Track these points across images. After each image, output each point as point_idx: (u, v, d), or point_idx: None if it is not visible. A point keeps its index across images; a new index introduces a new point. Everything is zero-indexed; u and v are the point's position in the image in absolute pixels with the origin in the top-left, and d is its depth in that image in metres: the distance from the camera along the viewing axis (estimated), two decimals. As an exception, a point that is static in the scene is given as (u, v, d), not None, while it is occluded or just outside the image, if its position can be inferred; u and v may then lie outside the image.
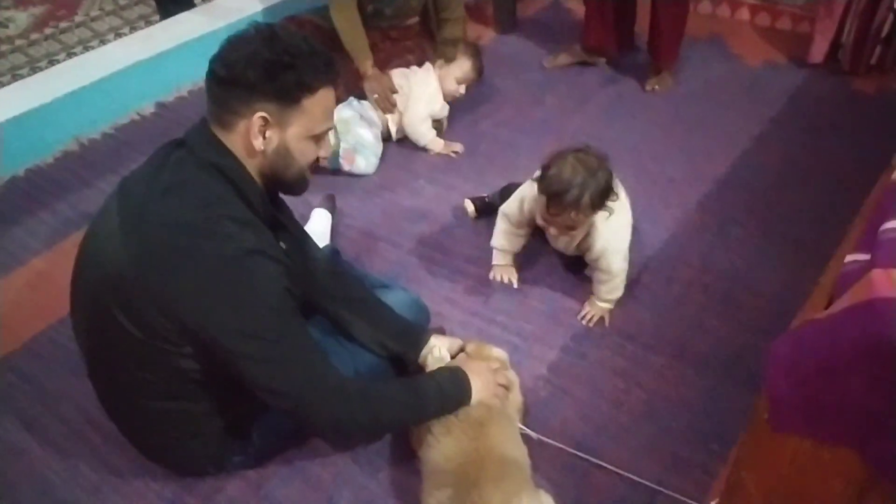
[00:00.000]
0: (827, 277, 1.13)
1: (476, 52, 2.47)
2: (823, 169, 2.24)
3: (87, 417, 1.63)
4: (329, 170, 2.26)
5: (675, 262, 1.95)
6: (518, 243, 1.86)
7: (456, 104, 2.63)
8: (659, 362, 1.68)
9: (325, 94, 1.23)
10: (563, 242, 1.75)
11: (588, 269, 1.81)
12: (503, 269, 1.89)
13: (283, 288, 1.21)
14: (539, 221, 1.68)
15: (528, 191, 1.74)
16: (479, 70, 2.48)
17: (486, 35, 3.11)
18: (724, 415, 1.54)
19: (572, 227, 1.62)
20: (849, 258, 1.10)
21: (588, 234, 1.69)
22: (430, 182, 2.30)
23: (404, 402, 1.35)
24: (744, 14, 3.09)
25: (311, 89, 1.20)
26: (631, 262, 1.77)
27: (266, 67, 1.16)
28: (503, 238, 1.85)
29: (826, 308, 1.02)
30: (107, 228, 1.23)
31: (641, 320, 1.76)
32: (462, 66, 2.42)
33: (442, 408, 1.36)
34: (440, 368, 1.45)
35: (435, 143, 2.39)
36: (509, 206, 1.81)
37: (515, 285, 1.88)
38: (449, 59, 2.42)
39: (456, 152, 2.39)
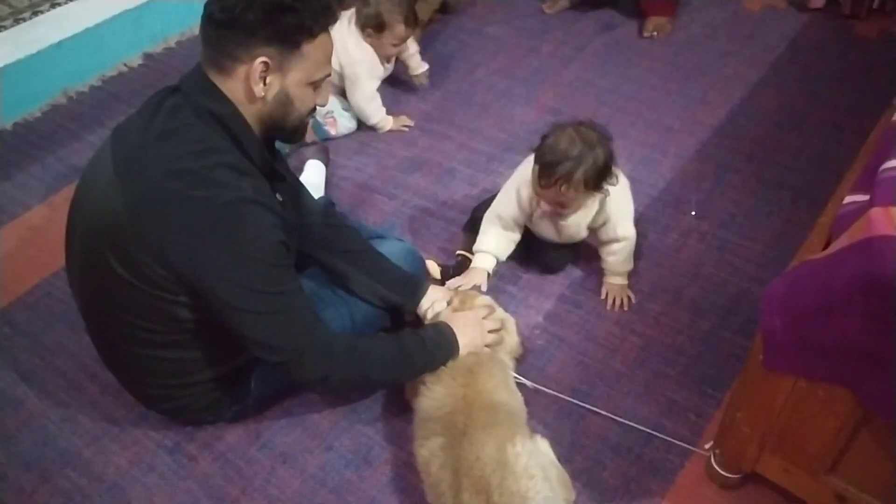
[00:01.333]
0: (824, 219, 1.13)
1: (403, 6, 2.10)
2: (822, 114, 2.21)
3: (84, 369, 1.63)
4: (319, 141, 2.19)
5: (672, 210, 1.94)
6: (507, 248, 1.71)
7: (449, 52, 2.59)
8: (655, 309, 1.68)
9: (324, 39, 1.20)
10: (550, 231, 1.68)
11: (597, 244, 1.72)
12: (476, 275, 1.69)
13: (278, 241, 1.19)
14: (535, 195, 1.60)
15: (523, 172, 1.63)
16: (414, 22, 2.15)
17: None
18: (719, 360, 1.55)
19: (562, 205, 1.54)
20: (847, 199, 1.09)
21: (599, 212, 1.62)
22: (423, 132, 2.27)
23: (391, 358, 1.35)
24: (745, -42, 3.02)
25: (311, 33, 1.17)
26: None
27: (266, 9, 1.12)
28: (492, 238, 1.70)
29: (823, 249, 1.01)
30: (101, 176, 1.21)
31: (638, 268, 1.75)
32: (394, 32, 2.11)
33: (428, 364, 1.36)
34: (426, 325, 1.45)
35: (385, 122, 2.25)
36: (499, 206, 1.68)
37: (484, 289, 1.69)
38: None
39: (407, 126, 2.26)
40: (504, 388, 1.38)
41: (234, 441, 1.48)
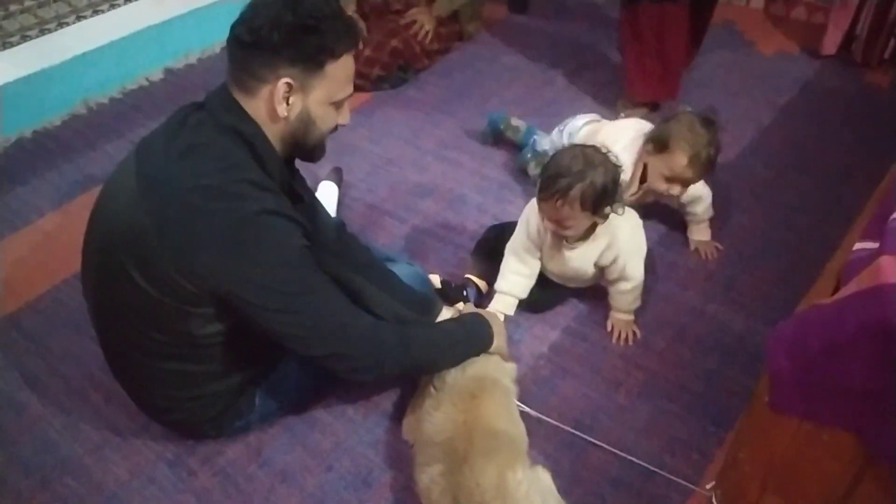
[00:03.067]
0: (833, 265, 1.14)
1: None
2: (832, 160, 2.23)
3: (88, 377, 1.64)
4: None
5: (679, 247, 1.95)
6: (526, 285, 1.72)
7: (465, 80, 2.63)
8: (659, 345, 1.69)
9: (347, 59, 1.23)
10: (559, 265, 1.68)
11: (604, 282, 1.72)
12: (501, 307, 1.71)
13: (302, 245, 1.22)
14: (541, 219, 1.60)
15: (534, 201, 1.64)
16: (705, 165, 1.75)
17: (498, 12, 3.09)
18: (722, 398, 1.55)
19: (560, 223, 1.54)
20: (857, 246, 1.10)
21: (608, 249, 1.62)
22: (437, 158, 2.29)
23: (434, 346, 1.39)
24: (759, 2, 3.07)
25: (334, 54, 1.20)
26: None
27: (290, 31, 1.15)
28: (510, 278, 1.71)
29: (832, 294, 1.02)
30: (123, 189, 1.23)
31: (644, 303, 1.76)
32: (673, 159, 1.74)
33: (469, 348, 1.42)
34: (462, 314, 1.52)
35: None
36: (514, 237, 1.71)
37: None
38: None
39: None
40: (506, 416, 1.38)
41: (235, 456, 1.48)
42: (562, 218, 1.53)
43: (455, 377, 1.40)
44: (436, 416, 1.35)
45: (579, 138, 1.91)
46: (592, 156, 1.51)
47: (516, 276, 1.71)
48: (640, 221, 1.68)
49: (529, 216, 1.67)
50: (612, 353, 1.67)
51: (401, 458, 1.46)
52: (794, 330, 1.00)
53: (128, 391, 1.44)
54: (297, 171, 1.43)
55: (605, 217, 1.55)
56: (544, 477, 1.34)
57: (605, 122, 2.00)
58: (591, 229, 1.60)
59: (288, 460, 1.47)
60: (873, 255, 0.97)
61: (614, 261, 1.63)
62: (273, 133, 1.23)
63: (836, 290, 1.03)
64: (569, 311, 1.78)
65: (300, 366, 1.48)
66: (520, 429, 1.40)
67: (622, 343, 1.69)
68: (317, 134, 1.27)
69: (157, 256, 1.17)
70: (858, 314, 0.90)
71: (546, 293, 1.76)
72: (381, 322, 1.33)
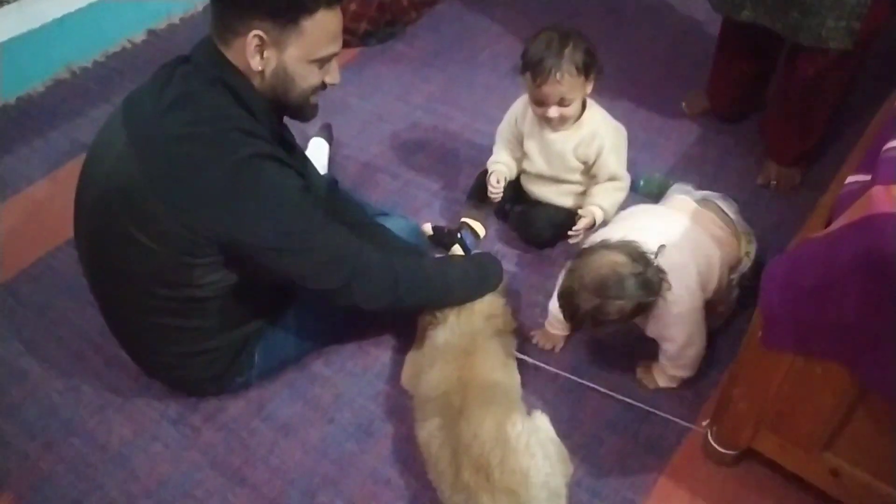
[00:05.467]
0: (826, 199, 1.14)
1: None
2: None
3: (87, 341, 1.65)
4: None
5: (673, 193, 1.94)
6: (513, 167, 1.78)
7: (454, 34, 2.59)
8: (655, 291, 1.70)
9: (326, 16, 1.19)
10: (540, 156, 1.69)
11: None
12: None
13: (301, 184, 1.22)
14: (536, 111, 1.63)
15: (517, 105, 1.75)
16: None
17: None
18: (718, 342, 1.57)
19: (563, 102, 1.56)
20: (849, 179, 1.10)
21: (591, 141, 1.63)
22: (427, 113, 2.27)
23: (448, 274, 1.43)
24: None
25: (309, 9, 1.17)
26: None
27: None
28: (503, 156, 1.78)
29: (825, 229, 1.02)
30: (112, 145, 1.22)
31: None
32: None
33: (481, 283, 1.46)
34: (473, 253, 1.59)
35: None
36: (500, 127, 1.80)
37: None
38: None
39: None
40: (501, 369, 1.39)
41: (237, 413, 1.50)
42: (563, 93, 1.55)
43: (448, 336, 1.41)
44: (431, 374, 1.36)
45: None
46: (559, 29, 1.56)
47: (506, 154, 1.78)
48: (624, 131, 1.72)
49: (517, 109, 1.74)
50: (608, 301, 1.68)
51: (401, 409, 1.48)
52: (785, 266, 1.01)
53: (128, 351, 1.45)
54: (287, 128, 1.42)
55: (593, 82, 1.59)
56: (542, 424, 1.36)
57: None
58: (579, 115, 1.64)
59: (290, 414, 1.49)
60: (865, 187, 0.96)
61: (598, 154, 1.64)
62: (257, 87, 1.22)
63: (829, 224, 1.02)
64: (563, 259, 1.78)
65: (299, 321, 1.49)
66: (514, 379, 1.41)
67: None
68: (297, 91, 1.25)
69: (155, 211, 1.17)
70: (850, 245, 0.90)
71: (533, 212, 1.78)
72: (384, 258, 1.35)
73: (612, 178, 1.68)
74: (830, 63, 1.65)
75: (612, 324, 1.30)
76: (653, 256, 1.28)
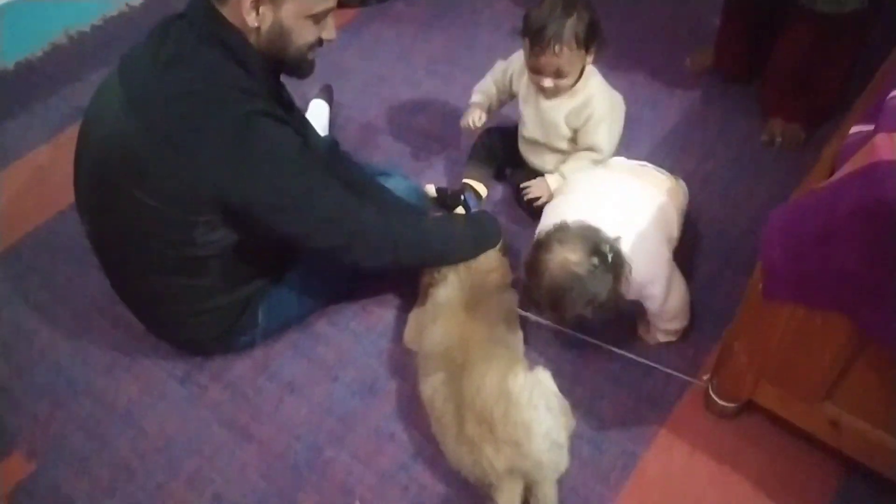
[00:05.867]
0: (829, 150, 1.13)
1: None
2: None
3: (94, 304, 1.66)
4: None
5: (677, 152, 1.93)
6: (494, 97, 1.74)
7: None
8: (657, 249, 1.69)
9: None
10: (534, 121, 1.66)
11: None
12: (474, 110, 1.72)
13: (300, 142, 1.22)
14: (532, 78, 1.59)
15: (516, 61, 1.69)
16: None
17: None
18: (720, 298, 1.57)
19: (560, 72, 1.52)
20: (853, 130, 1.09)
21: (583, 107, 1.59)
22: (429, 74, 2.25)
23: (448, 232, 1.44)
24: None
25: None
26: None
27: None
28: (488, 81, 1.75)
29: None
30: (110, 106, 1.22)
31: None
32: None
33: (481, 242, 1.47)
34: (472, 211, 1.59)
35: None
36: (498, 65, 1.75)
37: (478, 124, 1.72)
38: None
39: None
40: (503, 325, 1.40)
41: (243, 371, 1.52)
42: (560, 65, 1.51)
43: (449, 293, 1.41)
44: (433, 330, 1.37)
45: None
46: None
47: (490, 84, 1.75)
48: (622, 103, 1.67)
49: (514, 66, 1.70)
50: (611, 259, 1.68)
51: (404, 367, 1.49)
52: (787, 216, 1.00)
53: (134, 311, 1.46)
54: (284, 86, 1.41)
55: (594, 54, 1.55)
56: (545, 378, 1.36)
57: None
58: (575, 83, 1.59)
59: (295, 372, 1.51)
60: (869, 137, 0.96)
61: (586, 122, 1.60)
62: (253, 44, 1.21)
63: (832, 175, 1.02)
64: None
65: (302, 281, 1.50)
66: (516, 335, 1.42)
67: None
68: (294, 48, 1.25)
69: (155, 171, 1.17)
70: (853, 194, 0.89)
71: (523, 174, 1.76)
72: (391, 211, 1.35)
73: (591, 148, 1.64)
74: (842, 22, 1.61)
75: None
76: (611, 243, 1.26)
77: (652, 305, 1.40)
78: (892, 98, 0.98)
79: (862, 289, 0.96)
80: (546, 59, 1.51)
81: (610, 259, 1.24)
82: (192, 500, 1.33)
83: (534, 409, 1.22)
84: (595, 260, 1.23)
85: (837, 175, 0.97)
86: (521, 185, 1.70)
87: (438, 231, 1.44)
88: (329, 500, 1.32)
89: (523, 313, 1.50)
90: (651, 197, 1.45)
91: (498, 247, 1.51)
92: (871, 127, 1.02)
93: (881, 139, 0.90)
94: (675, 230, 1.46)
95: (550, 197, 1.64)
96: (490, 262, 1.47)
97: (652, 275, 1.36)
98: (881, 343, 1.01)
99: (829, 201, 0.94)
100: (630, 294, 1.37)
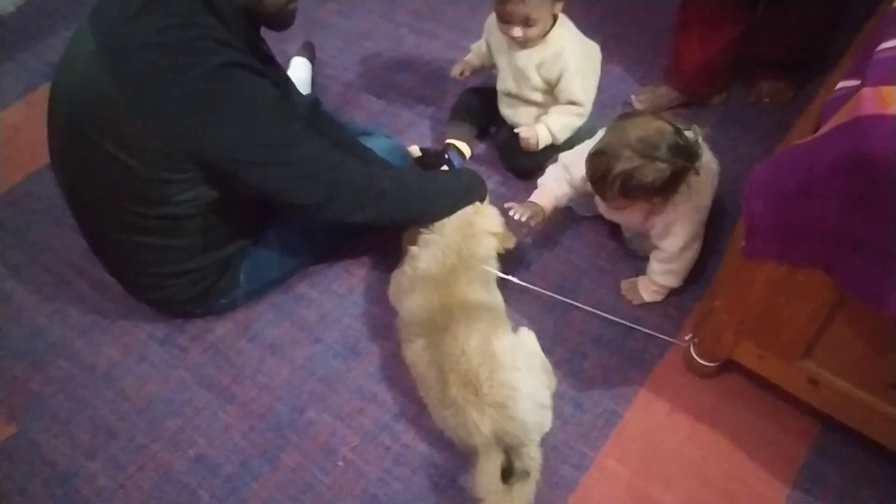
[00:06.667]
0: (814, 106, 1.11)
1: None
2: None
3: (70, 265, 1.64)
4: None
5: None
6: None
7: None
8: (641, 209, 1.68)
9: None
10: (507, 71, 1.63)
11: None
12: (461, 63, 1.74)
13: (277, 94, 1.18)
14: (501, 29, 1.56)
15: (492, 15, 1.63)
16: None
17: None
18: (701, 259, 1.56)
19: (529, 22, 1.49)
20: (839, 85, 1.07)
21: (555, 58, 1.57)
22: (412, 31, 2.20)
23: (431, 186, 1.41)
24: None
25: None
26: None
27: None
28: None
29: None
30: (81, 57, 1.18)
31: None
32: None
33: (464, 196, 1.43)
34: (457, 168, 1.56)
35: None
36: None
37: (458, 76, 1.74)
38: None
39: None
40: (482, 289, 1.37)
41: (224, 333, 1.51)
42: (528, 12, 1.48)
43: (430, 259, 1.38)
44: (413, 298, 1.35)
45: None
46: None
47: (483, 44, 1.74)
48: (598, 52, 1.64)
49: (491, 20, 1.66)
50: (594, 220, 1.67)
51: (386, 328, 1.49)
52: (768, 172, 0.99)
53: (111, 272, 1.44)
54: (263, 40, 1.37)
55: (561, 2, 1.53)
56: (528, 339, 1.38)
57: None
58: (546, 32, 1.56)
59: (276, 334, 1.50)
60: (855, 91, 0.94)
61: (560, 77, 1.58)
62: None
63: (817, 130, 1.00)
64: (551, 180, 1.76)
65: (283, 241, 1.48)
66: (497, 298, 1.41)
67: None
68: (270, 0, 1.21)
69: (128, 124, 1.13)
70: (836, 148, 0.88)
71: (514, 143, 1.72)
72: (373, 164, 1.31)
73: (571, 103, 1.62)
74: None
75: (636, 194, 1.27)
76: (691, 133, 1.27)
77: (669, 246, 1.39)
78: (878, 52, 0.96)
79: (842, 244, 0.95)
80: (513, 7, 1.48)
81: (691, 141, 1.25)
82: (174, 461, 1.33)
83: (517, 370, 1.22)
84: (680, 137, 1.25)
85: (821, 130, 0.95)
86: (515, 130, 1.67)
87: (421, 185, 1.41)
88: (312, 460, 1.32)
89: (505, 276, 1.48)
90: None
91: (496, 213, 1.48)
92: (857, 82, 1.00)
93: (867, 93, 0.88)
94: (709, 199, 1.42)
95: (537, 142, 1.63)
96: (491, 223, 1.44)
97: (689, 218, 1.36)
98: (861, 298, 1.00)
99: (811, 155, 0.93)
100: (659, 224, 1.38)
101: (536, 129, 1.64)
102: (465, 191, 1.44)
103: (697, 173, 1.28)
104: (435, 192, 1.41)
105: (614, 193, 1.28)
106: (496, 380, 1.19)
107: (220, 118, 1.12)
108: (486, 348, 1.23)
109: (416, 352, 1.30)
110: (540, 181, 1.54)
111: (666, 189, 1.28)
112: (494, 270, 1.45)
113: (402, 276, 1.43)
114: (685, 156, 1.24)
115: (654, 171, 1.23)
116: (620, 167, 1.23)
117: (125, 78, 1.12)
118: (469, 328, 1.25)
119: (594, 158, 1.29)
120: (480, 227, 1.43)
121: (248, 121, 1.14)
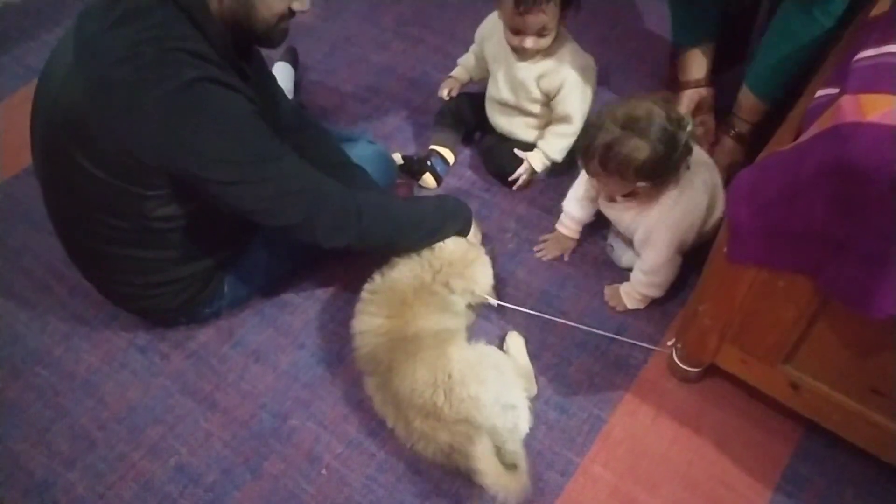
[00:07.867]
0: (795, 112, 1.12)
1: None
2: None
3: (51, 270, 1.62)
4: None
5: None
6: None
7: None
8: (625, 215, 1.69)
9: None
10: (505, 80, 1.63)
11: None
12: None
13: (252, 110, 1.14)
14: (511, 40, 1.55)
15: (485, 23, 1.69)
16: None
17: None
18: (685, 264, 1.57)
19: (543, 32, 1.50)
20: (819, 93, 1.08)
21: (555, 71, 1.57)
22: (397, 36, 2.20)
23: (414, 211, 1.38)
24: None
25: None
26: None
27: None
28: (469, 54, 1.75)
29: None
30: (61, 65, 1.15)
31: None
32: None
33: (449, 226, 1.40)
34: (443, 195, 1.55)
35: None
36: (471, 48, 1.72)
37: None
38: None
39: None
40: (437, 313, 1.33)
41: (207, 340, 1.49)
42: (546, 22, 1.48)
43: (400, 275, 1.35)
44: (362, 321, 1.33)
45: None
46: None
47: (471, 57, 1.77)
48: (594, 69, 1.63)
49: (484, 29, 1.69)
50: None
51: (371, 334, 1.48)
52: (752, 178, 1.00)
53: (91, 281, 1.41)
54: (257, 51, 1.35)
55: (566, 17, 1.53)
56: (514, 342, 1.38)
57: None
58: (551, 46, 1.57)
59: (260, 340, 1.49)
60: (834, 99, 0.95)
61: (559, 89, 1.59)
62: (215, 11, 1.14)
63: (797, 137, 1.01)
64: (535, 185, 1.76)
65: (268, 250, 1.47)
66: (457, 319, 1.37)
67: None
68: (260, 18, 1.17)
69: (99, 137, 1.11)
70: (816, 155, 0.89)
71: (500, 148, 1.74)
72: (348, 193, 1.27)
73: (564, 119, 1.63)
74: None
75: (614, 168, 1.27)
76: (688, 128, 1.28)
77: (650, 257, 1.40)
78: (857, 61, 0.97)
79: (825, 249, 0.96)
80: (533, 18, 1.47)
81: (682, 134, 1.26)
82: (155, 469, 1.32)
83: (480, 382, 1.21)
84: (671, 125, 1.25)
85: (803, 136, 0.96)
86: (511, 179, 1.71)
87: (404, 210, 1.37)
88: (295, 468, 1.31)
89: (486, 299, 1.42)
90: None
91: (473, 233, 1.47)
92: (836, 90, 1.01)
93: (846, 101, 0.89)
94: (717, 210, 1.42)
95: (533, 175, 1.68)
96: (480, 283, 1.40)
97: (681, 217, 1.36)
98: (845, 302, 1.00)
99: (794, 161, 0.94)
100: (642, 230, 1.39)
101: (530, 159, 1.67)
102: (450, 218, 1.41)
103: (688, 167, 1.31)
104: (418, 217, 1.36)
105: (596, 168, 1.30)
106: (454, 398, 1.19)
107: (191, 134, 1.09)
108: (435, 376, 1.20)
109: (371, 389, 1.31)
110: (565, 205, 1.57)
111: (644, 171, 1.27)
112: (480, 294, 1.42)
113: (365, 288, 1.38)
114: (667, 141, 1.24)
115: (632, 146, 1.24)
116: (601, 138, 1.26)
117: (95, 89, 1.09)
118: (411, 364, 1.23)
119: (584, 130, 1.36)
120: (471, 275, 1.39)
121: (217, 137, 1.10)
